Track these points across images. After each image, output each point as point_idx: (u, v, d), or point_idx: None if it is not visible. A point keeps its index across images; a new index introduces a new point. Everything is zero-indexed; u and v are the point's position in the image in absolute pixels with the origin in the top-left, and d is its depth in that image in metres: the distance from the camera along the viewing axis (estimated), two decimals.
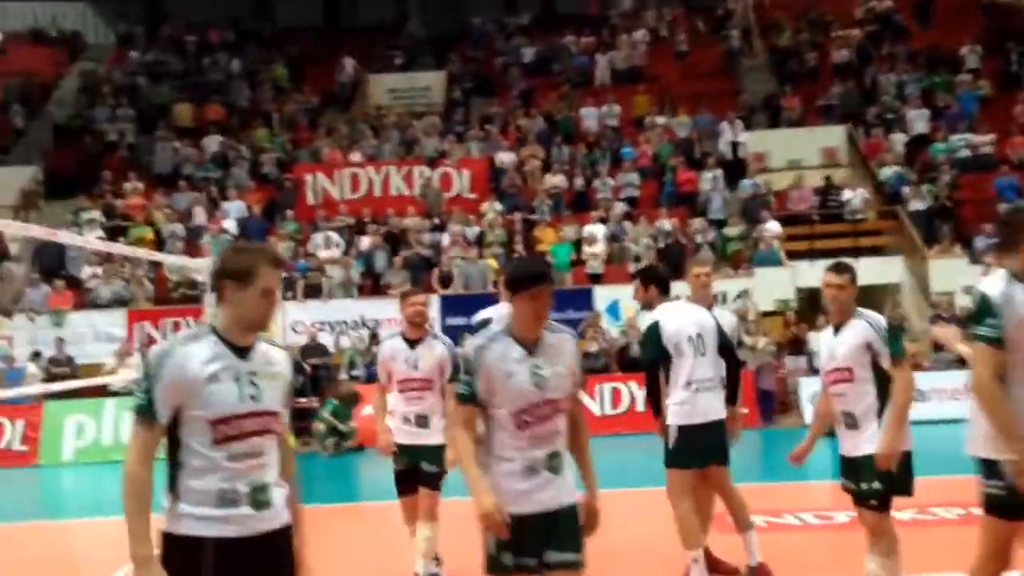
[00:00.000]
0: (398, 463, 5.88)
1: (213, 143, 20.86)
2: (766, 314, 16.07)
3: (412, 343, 5.80)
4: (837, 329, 4.85)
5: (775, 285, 16.49)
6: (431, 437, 5.76)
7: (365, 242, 17.55)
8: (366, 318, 15.90)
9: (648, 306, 5.81)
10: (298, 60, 24.47)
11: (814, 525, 7.35)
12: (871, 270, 16.60)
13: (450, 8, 26.25)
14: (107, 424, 13.38)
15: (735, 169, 19.40)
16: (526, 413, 3.54)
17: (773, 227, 17.36)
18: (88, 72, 24.03)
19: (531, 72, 23.55)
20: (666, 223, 17.45)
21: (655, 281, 5.85)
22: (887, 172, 18.66)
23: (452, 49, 24.39)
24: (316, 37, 25.89)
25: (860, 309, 4.85)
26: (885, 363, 4.71)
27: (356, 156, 19.95)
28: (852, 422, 4.77)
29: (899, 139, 19.42)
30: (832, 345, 4.85)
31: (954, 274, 15.87)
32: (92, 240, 10.44)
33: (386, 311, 15.52)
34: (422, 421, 5.76)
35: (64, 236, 8.80)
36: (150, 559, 2.85)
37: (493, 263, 16.86)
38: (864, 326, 4.76)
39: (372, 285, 16.87)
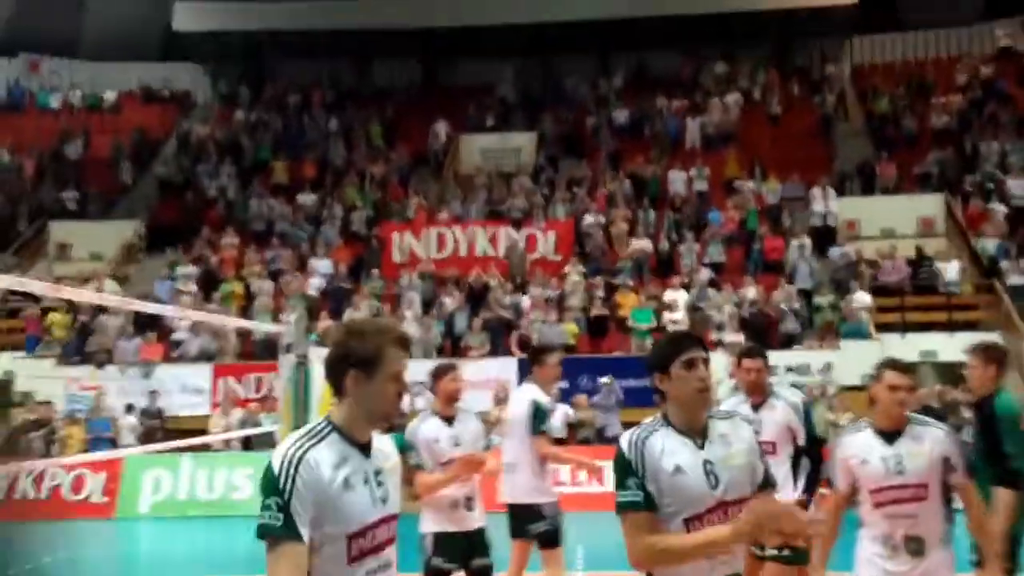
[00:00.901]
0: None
1: (307, 200, 21.49)
2: (850, 388, 15.53)
3: (448, 420, 5.62)
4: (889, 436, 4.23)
5: (862, 359, 15.92)
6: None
7: (448, 303, 17.71)
8: None
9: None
10: (393, 120, 25.11)
11: None
12: (966, 345, 15.92)
13: (544, 70, 26.60)
14: (183, 479, 13.73)
15: (826, 237, 18.98)
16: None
17: (863, 298, 16.86)
18: (193, 130, 25.13)
19: (621, 134, 23.61)
20: (751, 290, 17.13)
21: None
22: (986, 243, 17.97)
23: (544, 110, 24.67)
24: (412, 97, 26.56)
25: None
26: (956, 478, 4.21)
27: (444, 215, 20.25)
28: (918, 547, 4.15)
29: (999, 209, 18.71)
30: (886, 456, 4.22)
31: None
32: (172, 308, 10.81)
33: (465, 372, 15.52)
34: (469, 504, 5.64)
35: (152, 306, 9.05)
36: None
37: (573, 328, 16.80)
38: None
39: (452, 345, 16.98)
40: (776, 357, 11.70)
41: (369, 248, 19.71)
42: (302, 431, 2.72)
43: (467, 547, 5.49)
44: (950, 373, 14.98)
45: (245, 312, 17.09)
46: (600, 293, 17.61)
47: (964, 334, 16.12)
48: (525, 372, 15.32)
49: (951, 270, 17.49)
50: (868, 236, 19.50)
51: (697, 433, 3.10)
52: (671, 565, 2.96)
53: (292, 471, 2.56)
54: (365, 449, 2.70)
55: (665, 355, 3.15)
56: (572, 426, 14.87)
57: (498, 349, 16.58)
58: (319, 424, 2.72)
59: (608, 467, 11.90)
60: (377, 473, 2.69)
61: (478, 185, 21.71)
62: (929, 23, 25.36)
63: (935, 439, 4.20)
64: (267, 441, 12.49)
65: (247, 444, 14.23)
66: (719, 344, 16.36)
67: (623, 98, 24.90)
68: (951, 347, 15.07)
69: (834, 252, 18.31)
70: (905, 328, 16.45)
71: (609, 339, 17.27)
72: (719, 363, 13.19)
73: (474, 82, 26.13)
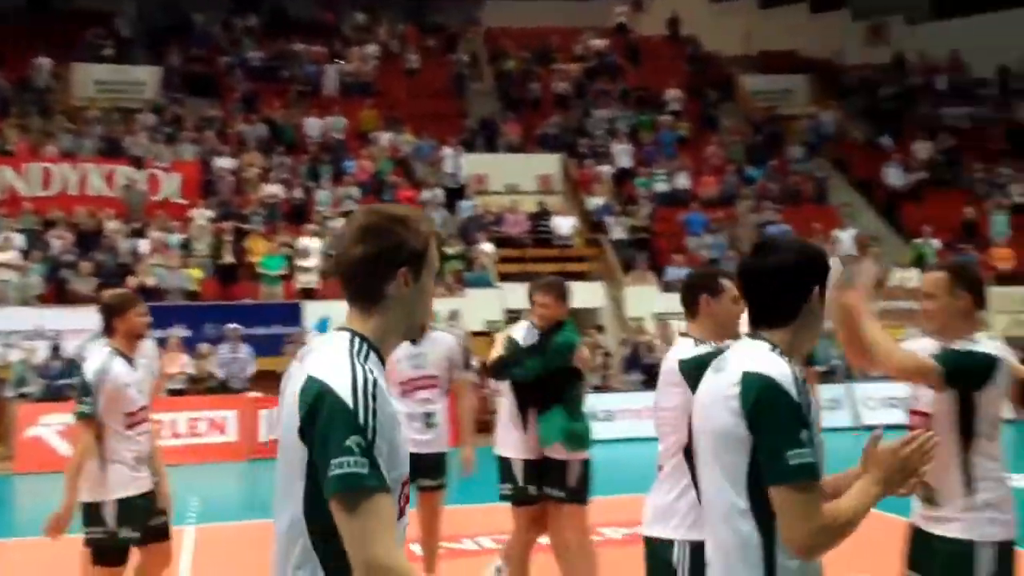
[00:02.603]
0: None
1: None
2: (475, 334, 16.34)
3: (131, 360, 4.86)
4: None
5: (486, 306, 16.83)
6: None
7: (55, 244, 16.08)
8: (47, 329, 14.48)
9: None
10: None
11: (492, 549, 7.41)
12: (576, 294, 17.44)
13: (170, 2, 24.82)
14: None
15: (455, 190, 19.70)
16: None
17: (488, 249, 17.77)
18: None
19: (256, 77, 22.75)
20: None
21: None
22: (595, 202, 19.66)
23: (169, 45, 23.07)
24: (16, 20, 23.59)
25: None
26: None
27: (52, 150, 18.30)
28: None
29: (607, 171, 20.54)
30: None
31: (647, 301, 16.96)
32: None
33: (72, 321, 14.21)
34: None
35: None
36: None
37: (197, 273, 16.01)
38: None
39: (57, 292, 15.44)
40: None
41: None
42: (341, 348, 2.02)
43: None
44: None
45: None
46: (229, 239, 16.93)
47: (576, 283, 17.57)
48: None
49: (565, 225, 18.98)
50: (494, 191, 20.58)
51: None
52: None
53: (372, 402, 1.92)
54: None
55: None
56: (195, 379, 14.21)
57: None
58: (351, 338, 2.05)
59: (232, 418, 11.38)
60: None
61: (91, 120, 19.85)
62: None
63: (447, 342, 5.52)
64: None
65: None
66: None
67: (259, 39, 23.99)
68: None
69: (463, 205, 19.07)
70: (526, 277, 17.44)
71: (239, 286, 16.70)
72: None
73: (90, 8, 23.77)
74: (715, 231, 18.75)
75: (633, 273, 17.84)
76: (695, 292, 3.71)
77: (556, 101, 22.98)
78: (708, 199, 20.02)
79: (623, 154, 20.98)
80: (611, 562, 5.81)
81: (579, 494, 5.35)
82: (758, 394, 2.17)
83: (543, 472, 5.32)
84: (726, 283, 3.66)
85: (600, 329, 16.83)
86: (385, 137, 20.73)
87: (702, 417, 2.32)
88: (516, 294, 16.51)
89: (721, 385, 2.26)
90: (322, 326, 15.79)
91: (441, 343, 5.48)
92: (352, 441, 1.87)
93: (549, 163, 21.25)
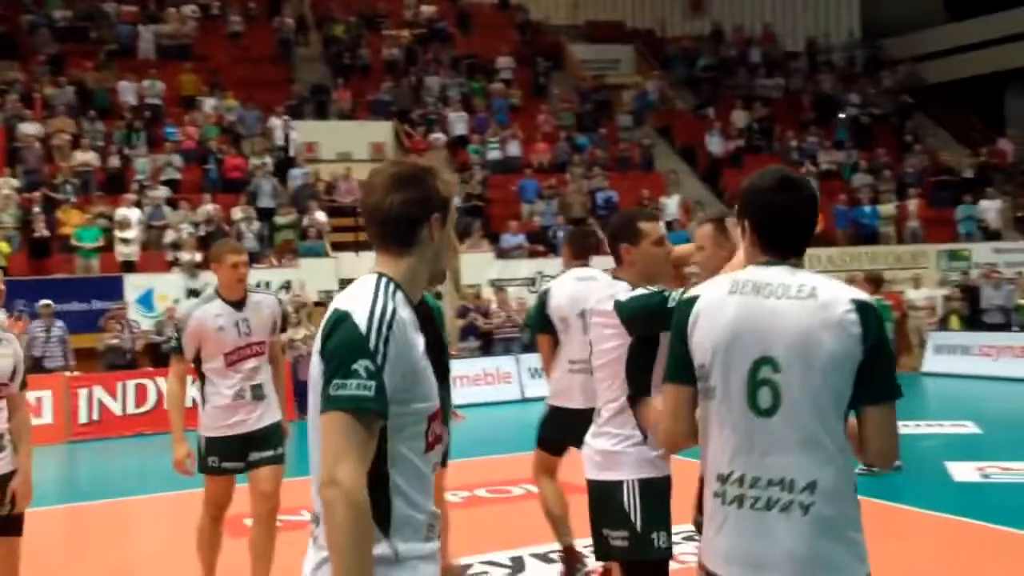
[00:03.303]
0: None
1: None
2: (317, 304, 15.99)
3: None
4: None
5: (320, 276, 16.49)
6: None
7: None
8: None
9: None
10: None
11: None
12: None
13: None
14: None
15: (286, 158, 19.14)
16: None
17: (320, 218, 17.38)
18: None
19: (63, 37, 21.28)
20: (209, 209, 16.67)
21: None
22: None
23: None
24: None
25: None
26: None
27: None
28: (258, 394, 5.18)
29: (441, 138, 20.46)
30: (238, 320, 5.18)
31: (482, 268, 17.07)
32: None
33: None
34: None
35: None
36: None
37: (4, 247, 14.91)
38: None
39: None
40: None
41: None
42: (369, 285, 2.12)
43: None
44: None
45: None
46: (39, 210, 15.83)
47: None
48: None
49: None
50: (326, 159, 20.14)
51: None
52: None
53: (386, 330, 2.01)
54: None
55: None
56: None
57: None
58: (379, 280, 2.13)
59: (47, 398, 10.73)
60: None
61: None
62: None
63: (270, 304, 5.13)
64: None
65: None
66: (175, 263, 15.76)
67: None
68: None
69: (293, 173, 18.56)
70: (358, 247, 17.27)
71: (52, 260, 15.67)
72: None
73: None
74: (547, 197, 19.04)
75: (468, 240, 17.89)
76: (615, 242, 3.59)
77: (387, 68, 22.65)
78: (540, 166, 20.30)
79: (456, 121, 20.95)
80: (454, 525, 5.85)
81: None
82: (877, 321, 2.26)
83: None
84: (645, 227, 3.56)
85: (438, 296, 16.80)
86: (208, 103, 19.87)
87: (795, 343, 2.23)
88: (350, 264, 16.33)
89: (821, 310, 2.23)
90: (146, 300, 15.07)
91: (265, 306, 5.09)
92: (360, 365, 1.97)
93: (381, 131, 20.97)
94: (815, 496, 2.21)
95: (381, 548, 2.01)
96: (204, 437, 4.98)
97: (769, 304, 2.26)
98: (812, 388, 2.21)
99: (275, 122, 19.55)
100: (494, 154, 20.31)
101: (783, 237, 2.36)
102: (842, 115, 23.64)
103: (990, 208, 20.17)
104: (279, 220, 17.22)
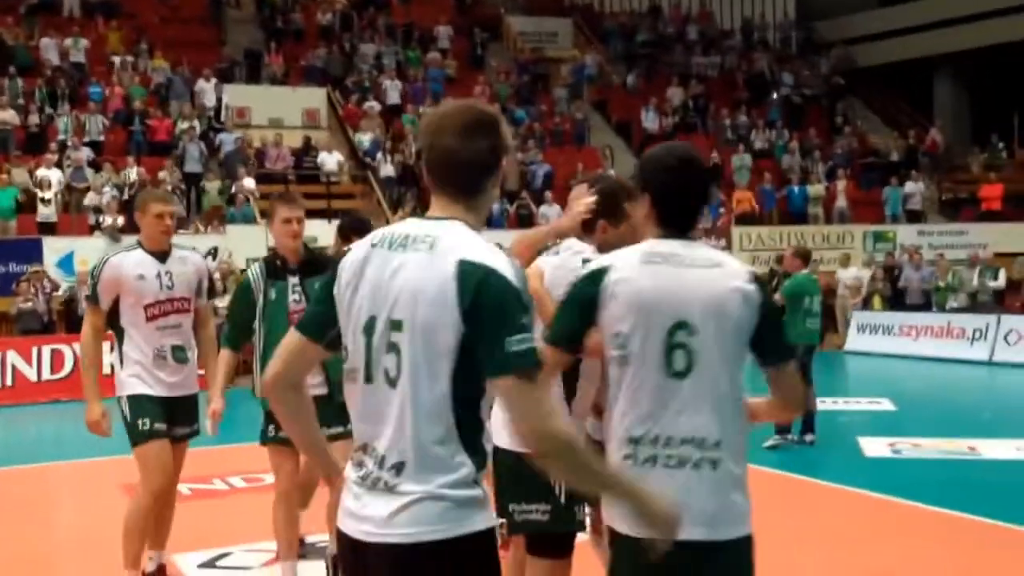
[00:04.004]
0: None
1: None
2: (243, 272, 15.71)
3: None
4: None
5: (248, 244, 16.16)
6: None
7: None
8: None
9: None
10: None
11: (242, 488, 7.19)
12: None
13: None
14: None
15: (216, 122, 18.69)
16: None
17: (249, 184, 17.05)
18: None
19: None
20: (133, 172, 16.23)
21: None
22: (362, 138, 19.30)
23: None
24: None
25: None
26: None
27: None
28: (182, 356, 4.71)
29: (375, 106, 20.18)
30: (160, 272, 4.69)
31: None
32: None
33: None
34: None
35: None
36: None
37: None
38: None
39: None
40: None
41: None
42: (473, 234, 2.08)
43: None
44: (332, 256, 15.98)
45: None
46: None
47: None
48: None
49: (331, 161, 18.51)
50: (257, 125, 19.71)
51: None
52: None
53: (524, 283, 2.03)
54: None
55: None
56: None
57: None
58: (467, 227, 2.09)
59: None
60: None
61: None
62: None
63: (195, 262, 4.79)
64: None
65: None
66: (97, 227, 15.32)
67: None
68: (331, 233, 16.05)
69: (223, 138, 18.15)
70: None
71: None
72: None
73: None
74: None
75: (401, 210, 17.70)
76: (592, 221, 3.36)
77: (321, 33, 22.24)
78: None
79: (391, 90, 20.67)
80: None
81: None
82: (768, 292, 2.46)
83: None
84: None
85: None
86: (131, 63, 19.29)
87: (708, 308, 2.35)
88: None
89: (727, 279, 2.37)
90: (66, 263, 14.64)
91: (190, 262, 4.74)
92: (527, 320, 1.98)
93: (315, 97, 20.59)
94: (721, 452, 2.34)
95: (477, 491, 2.03)
96: (126, 398, 4.49)
97: (680, 273, 2.37)
98: (722, 350, 2.35)
99: (204, 85, 19.08)
100: None
101: (682, 213, 2.47)
102: (775, 95, 23.92)
103: (916, 191, 20.65)
104: (207, 185, 16.85)
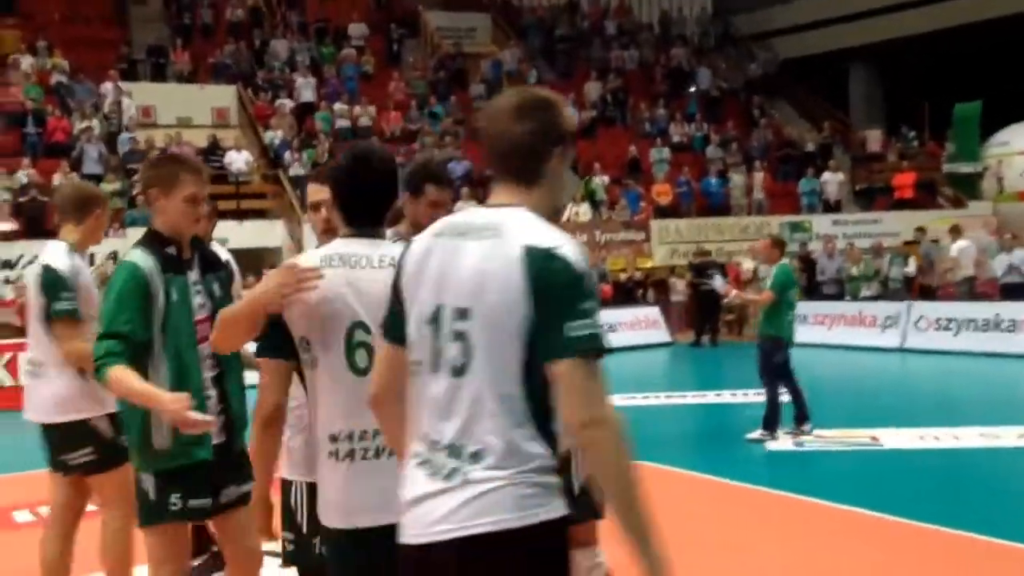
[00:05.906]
0: None
1: None
2: None
3: None
4: None
5: None
6: None
7: None
8: None
9: None
10: None
11: None
12: (254, 232, 16.69)
13: None
14: None
15: (117, 123, 18.03)
16: None
17: None
18: None
19: None
20: (24, 175, 15.54)
21: None
22: (272, 136, 18.80)
23: None
24: None
25: None
26: None
27: None
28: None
29: (287, 105, 19.69)
30: None
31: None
32: None
33: None
34: None
35: None
36: None
37: None
38: None
39: None
40: None
41: None
42: (536, 219, 2.02)
43: None
44: (242, 258, 15.51)
45: None
46: None
47: (253, 222, 16.87)
48: None
49: (240, 160, 17.98)
50: (164, 124, 19.08)
51: None
52: None
53: (588, 269, 1.98)
54: None
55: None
56: None
57: None
58: (529, 212, 2.04)
59: None
60: None
61: None
62: None
63: None
64: None
65: None
66: None
67: None
68: (242, 234, 15.67)
69: (122, 138, 17.51)
70: None
71: None
72: None
73: None
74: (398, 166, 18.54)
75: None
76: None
77: (230, 29, 21.64)
78: (391, 135, 19.78)
79: (304, 88, 20.19)
80: None
81: None
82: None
83: None
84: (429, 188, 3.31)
85: None
86: (28, 62, 18.52)
87: (374, 308, 2.38)
88: None
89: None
90: None
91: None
92: (589, 305, 1.93)
93: (224, 95, 20.03)
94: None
95: (555, 478, 1.98)
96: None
97: (356, 274, 2.50)
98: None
99: (107, 85, 18.40)
100: (343, 122, 19.67)
101: (364, 210, 2.56)
102: (693, 89, 23.96)
103: (831, 181, 20.83)
104: (105, 187, 16.16)
